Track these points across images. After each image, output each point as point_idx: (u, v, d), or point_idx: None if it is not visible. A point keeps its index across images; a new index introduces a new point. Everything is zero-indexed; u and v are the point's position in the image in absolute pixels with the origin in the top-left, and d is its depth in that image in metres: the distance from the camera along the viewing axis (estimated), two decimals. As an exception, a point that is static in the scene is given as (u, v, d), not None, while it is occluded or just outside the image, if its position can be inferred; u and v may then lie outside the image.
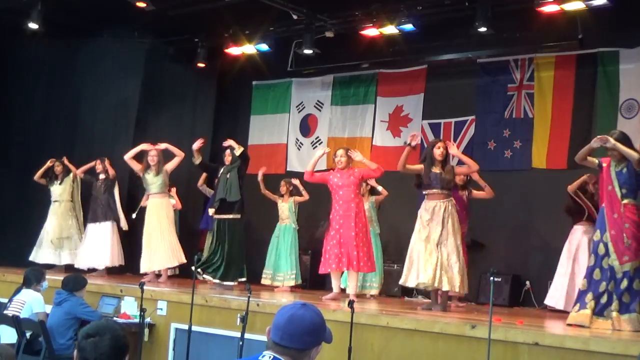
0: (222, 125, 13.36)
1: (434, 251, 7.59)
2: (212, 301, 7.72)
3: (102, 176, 11.02)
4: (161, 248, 9.93)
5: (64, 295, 7.23)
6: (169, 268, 10.15)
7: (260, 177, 10.66)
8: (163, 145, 10.04)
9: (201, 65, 12.20)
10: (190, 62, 12.24)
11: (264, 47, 11.54)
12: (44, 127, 12.48)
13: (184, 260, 10.09)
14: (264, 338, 2.81)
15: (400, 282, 7.99)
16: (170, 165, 10.08)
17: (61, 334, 7.07)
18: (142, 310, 7.35)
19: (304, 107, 12.84)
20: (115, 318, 7.76)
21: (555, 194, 9.47)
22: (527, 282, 10.11)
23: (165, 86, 12.68)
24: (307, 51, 10.84)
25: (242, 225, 9.75)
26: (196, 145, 9.77)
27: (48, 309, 7.46)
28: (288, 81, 12.93)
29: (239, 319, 6.73)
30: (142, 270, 10.04)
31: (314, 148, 12.56)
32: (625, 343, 5.46)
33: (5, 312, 7.41)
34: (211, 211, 9.76)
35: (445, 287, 7.60)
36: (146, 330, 7.82)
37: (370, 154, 11.92)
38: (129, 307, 8.12)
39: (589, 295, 6.60)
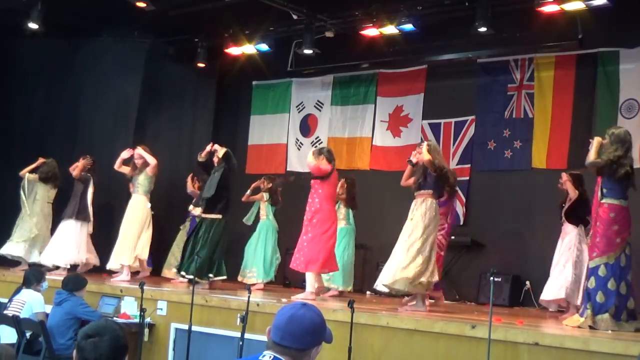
0: (222, 125, 13.36)
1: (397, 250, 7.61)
2: (212, 301, 7.71)
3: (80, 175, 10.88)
4: (127, 244, 10.05)
5: (64, 295, 7.23)
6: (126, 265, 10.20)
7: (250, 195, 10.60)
8: (139, 150, 10.18)
9: (201, 65, 12.20)
10: (190, 62, 12.24)
11: (264, 47, 11.55)
12: (44, 127, 12.47)
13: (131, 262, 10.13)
14: (264, 338, 2.81)
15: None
16: (150, 169, 10.17)
17: (61, 334, 7.06)
18: (142, 310, 7.35)
19: (304, 107, 12.85)
20: (115, 318, 7.75)
21: (555, 194, 9.45)
22: (527, 282, 10.10)
23: (165, 86, 12.68)
24: (307, 51, 10.84)
25: (223, 226, 9.40)
26: (211, 148, 9.68)
27: (48, 309, 7.46)
28: (288, 81, 12.94)
29: (239, 319, 6.73)
30: (108, 267, 10.18)
31: (314, 148, 12.56)
32: (625, 343, 5.46)
33: (5, 312, 7.41)
34: (197, 210, 9.72)
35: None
36: (146, 330, 7.82)
37: (370, 154, 11.95)
38: (129, 307, 8.11)
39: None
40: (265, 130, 13.14)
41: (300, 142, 12.79)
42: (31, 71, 12.64)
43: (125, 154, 10.30)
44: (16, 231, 11.11)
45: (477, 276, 10.06)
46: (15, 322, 7.06)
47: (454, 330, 6.04)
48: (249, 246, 10.40)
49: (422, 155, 7.73)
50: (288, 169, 12.71)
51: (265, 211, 10.45)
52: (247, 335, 6.65)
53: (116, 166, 10.35)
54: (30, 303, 7.36)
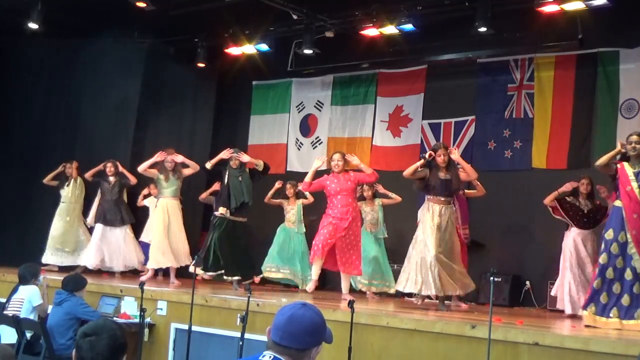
0: (222, 125, 13.36)
1: (432, 257, 7.64)
2: (212, 301, 7.71)
3: (112, 179, 10.87)
4: (179, 247, 10.02)
5: (64, 296, 7.23)
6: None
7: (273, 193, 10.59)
8: (180, 158, 9.94)
9: (201, 65, 12.20)
10: (190, 62, 12.24)
11: (264, 47, 11.54)
12: (43, 127, 12.47)
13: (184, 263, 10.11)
14: (264, 338, 2.81)
15: (400, 287, 8.02)
16: (187, 172, 10.04)
17: (61, 334, 7.06)
18: (142, 310, 7.35)
19: (304, 107, 12.85)
20: (115, 318, 7.75)
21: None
22: (527, 282, 10.11)
23: (165, 86, 12.68)
24: (307, 51, 10.84)
25: (247, 228, 9.73)
26: (225, 155, 9.62)
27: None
28: (288, 81, 12.94)
29: (239, 319, 6.73)
30: (156, 266, 10.12)
31: (314, 148, 12.57)
32: (626, 343, 5.46)
33: (5, 312, 7.41)
34: (225, 211, 9.48)
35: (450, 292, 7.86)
36: (146, 330, 7.82)
37: (370, 154, 11.95)
38: (129, 307, 8.11)
39: (604, 295, 6.59)
40: (265, 130, 13.14)
41: (300, 142, 12.79)
42: (31, 71, 12.64)
43: (159, 157, 9.86)
44: (64, 240, 11.09)
45: (477, 276, 10.03)
46: (15, 322, 7.06)
47: (454, 330, 6.03)
48: (279, 248, 10.43)
49: (456, 158, 7.96)
50: (288, 169, 12.71)
51: (296, 217, 10.48)
52: (247, 335, 6.65)
53: (141, 168, 9.94)
54: (29, 298, 7.39)
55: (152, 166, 9.95)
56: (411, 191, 8.76)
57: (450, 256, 7.79)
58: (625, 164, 6.74)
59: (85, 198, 11.36)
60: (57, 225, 11.13)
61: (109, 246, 10.73)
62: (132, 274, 10.88)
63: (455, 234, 7.98)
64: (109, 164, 10.83)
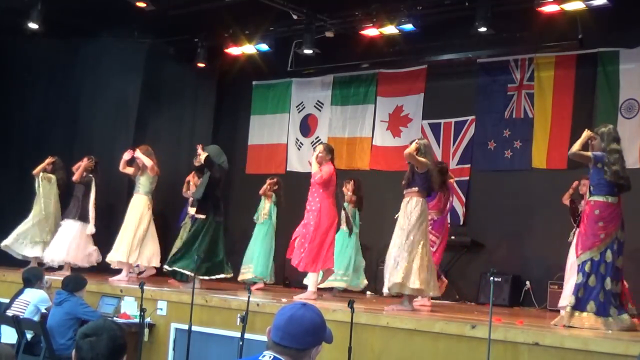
0: (222, 125, 13.37)
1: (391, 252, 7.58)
2: (212, 301, 7.71)
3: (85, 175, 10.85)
4: (126, 242, 10.05)
5: (64, 296, 7.22)
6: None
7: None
8: (137, 153, 10.13)
9: (201, 65, 12.20)
10: (190, 62, 12.24)
11: (264, 47, 11.54)
12: (43, 127, 12.48)
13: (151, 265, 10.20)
14: (264, 338, 2.81)
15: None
16: (150, 171, 10.18)
17: (61, 334, 7.06)
18: (142, 310, 7.35)
19: (304, 107, 12.85)
20: (115, 318, 7.75)
21: (555, 194, 9.46)
22: (527, 282, 10.11)
23: (165, 86, 12.68)
24: (307, 51, 10.84)
25: (212, 225, 9.42)
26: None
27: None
28: (288, 81, 12.94)
29: (239, 319, 6.72)
30: (108, 259, 10.15)
31: (314, 148, 12.54)
32: (626, 343, 5.46)
33: (7, 312, 7.40)
34: (192, 210, 9.88)
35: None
36: (146, 330, 7.82)
37: (370, 154, 11.96)
38: (129, 307, 8.10)
39: (581, 290, 6.66)
40: (265, 130, 13.15)
41: (300, 142, 12.79)
42: (31, 71, 12.65)
43: (126, 156, 10.27)
44: (31, 231, 11.01)
45: (477, 276, 10.06)
46: (15, 322, 7.06)
47: (454, 330, 6.03)
48: (253, 245, 10.43)
49: (407, 151, 7.63)
50: (288, 169, 12.71)
51: (268, 211, 10.48)
52: (247, 335, 6.65)
53: (120, 167, 10.33)
54: (36, 303, 7.38)
55: (130, 165, 10.26)
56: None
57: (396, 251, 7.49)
58: None
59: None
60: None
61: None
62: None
63: (408, 228, 7.49)
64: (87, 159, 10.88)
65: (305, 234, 8.40)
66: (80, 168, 10.80)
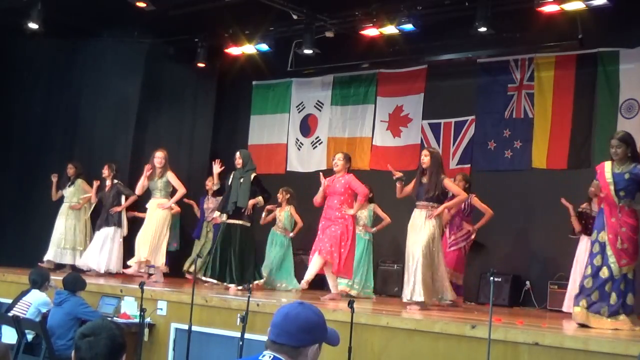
0: (222, 125, 13.37)
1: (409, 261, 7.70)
2: (212, 301, 7.71)
3: (108, 182, 10.95)
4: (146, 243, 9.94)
5: (64, 296, 7.22)
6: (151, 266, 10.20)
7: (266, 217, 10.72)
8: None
9: (201, 65, 12.20)
10: (190, 62, 12.24)
11: (264, 47, 11.54)
12: (43, 127, 12.48)
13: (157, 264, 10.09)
14: (264, 338, 2.81)
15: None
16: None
17: (61, 335, 7.05)
18: (142, 310, 7.34)
19: (304, 107, 12.85)
20: (115, 318, 7.75)
21: (555, 194, 9.47)
22: (527, 282, 10.11)
23: (165, 86, 12.69)
24: (307, 51, 10.84)
25: (252, 233, 9.54)
26: (217, 169, 9.63)
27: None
28: (288, 81, 12.94)
29: (239, 319, 6.72)
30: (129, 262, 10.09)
31: (314, 148, 12.58)
32: (625, 343, 5.46)
33: (10, 312, 7.40)
34: (224, 216, 9.42)
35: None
36: (146, 330, 7.81)
37: (370, 154, 11.95)
38: (129, 307, 8.10)
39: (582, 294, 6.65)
40: (265, 130, 13.15)
41: (301, 142, 12.79)
42: (31, 71, 12.65)
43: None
44: (67, 238, 11.15)
45: (477, 276, 10.06)
46: (16, 322, 7.06)
47: (454, 330, 6.03)
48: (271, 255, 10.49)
49: (424, 163, 7.84)
50: (288, 169, 12.71)
51: (284, 222, 10.55)
52: (247, 335, 6.64)
53: (138, 191, 10.03)
54: (37, 306, 7.40)
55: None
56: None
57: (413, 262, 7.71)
58: (607, 164, 6.67)
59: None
60: (58, 224, 11.24)
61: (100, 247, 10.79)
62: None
63: (434, 240, 7.73)
64: (106, 167, 11.00)
65: (339, 241, 8.41)
66: (94, 188, 11.07)
